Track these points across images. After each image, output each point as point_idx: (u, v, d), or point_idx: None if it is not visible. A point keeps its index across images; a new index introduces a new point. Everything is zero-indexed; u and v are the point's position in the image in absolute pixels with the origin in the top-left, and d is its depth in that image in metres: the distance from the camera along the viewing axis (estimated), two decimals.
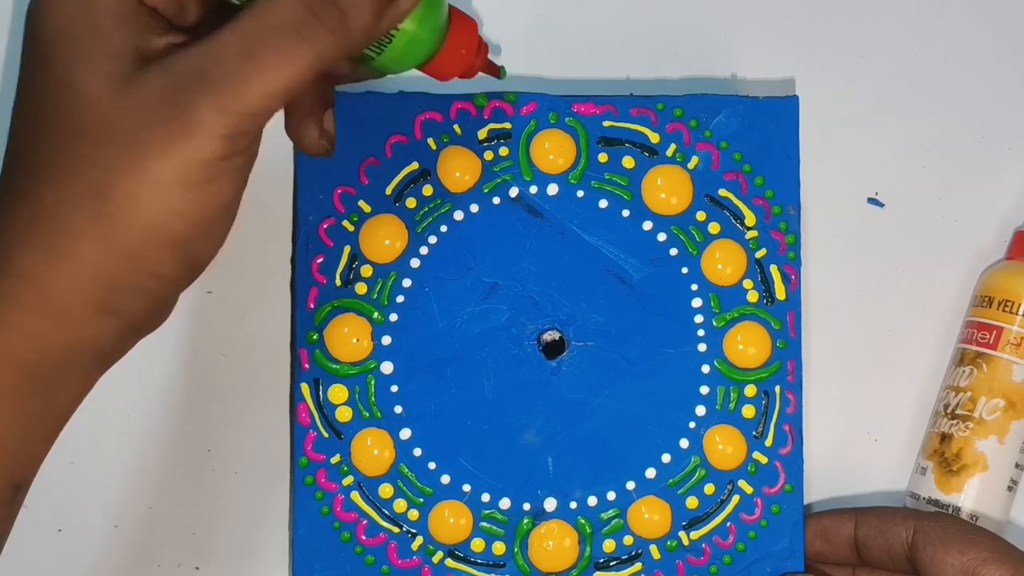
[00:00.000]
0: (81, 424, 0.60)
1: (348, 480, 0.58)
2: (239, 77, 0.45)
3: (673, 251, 0.59)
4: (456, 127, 0.59)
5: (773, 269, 0.59)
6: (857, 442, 0.62)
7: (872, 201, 0.62)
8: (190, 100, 0.45)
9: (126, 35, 0.46)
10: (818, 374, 0.61)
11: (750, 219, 0.59)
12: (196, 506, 0.61)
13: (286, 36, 0.45)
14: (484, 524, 0.58)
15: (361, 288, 0.58)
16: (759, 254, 0.59)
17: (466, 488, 0.58)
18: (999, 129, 0.63)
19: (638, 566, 0.58)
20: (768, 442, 0.58)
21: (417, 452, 0.58)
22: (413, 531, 0.58)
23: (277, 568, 0.61)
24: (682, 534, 0.58)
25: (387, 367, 0.58)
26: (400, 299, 0.58)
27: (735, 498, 0.58)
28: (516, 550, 0.58)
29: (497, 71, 0.54)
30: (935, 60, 0.63)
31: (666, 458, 0.58)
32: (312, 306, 0.58)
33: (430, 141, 0.59)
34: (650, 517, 0.58)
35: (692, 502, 0.58)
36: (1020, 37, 0.64)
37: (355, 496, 0.58)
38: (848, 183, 0.63)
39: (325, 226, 0.59)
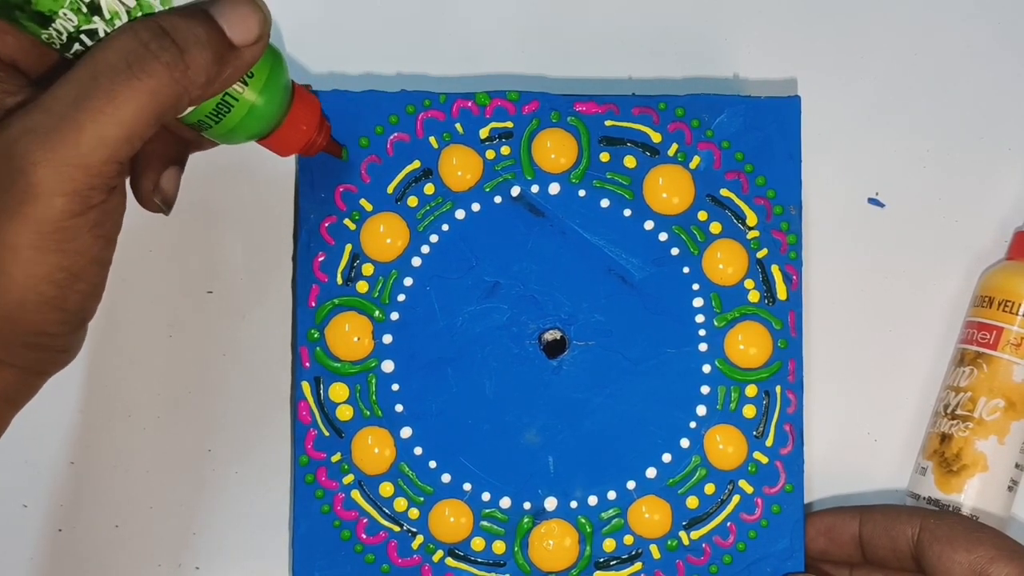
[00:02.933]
0: (81, 424, 0.61)
1: (348, 479, 0.58)
2: (71, 126, 0.43)
3: (674, 251, 0.59)
4: (458, 126, 0.59)
5: (774, 269, 0.59)
6: (857, 442, 0.62)
7: (872, 201, 0.62)
8: (25, 159, 0.43)
9: None
10: (818, 374, 0.61)
11: (752, 219, 0.59)
12: (196, 506, 0.61)
13: (117, 74, 0.43)
14: (484, 523, 0.58)
15: (362, 287, 0.58)
16: (760, 254, 0.59)
17: (467, 487, 0.58)
18: (999, 129, 0.64)
19: (638, 566, 0.58)
20: (769, 442, 0.58)
21: (418, 451, 0.58)
22: (413, 530, 0.58)
23: (277, 568, 0.61)
24: (682, 534, 0.58)
25: (388, 366, 0.58)
26: (401, 298, 0.58)
27: (735, 498, 0.58)
28: (516, 549, 0.58)
29: (339, 151, 0.56)
30: (935, 60, 0.64)
31: (667, 458, 0.58)
32: (313, 304, 0.58)
33: (432, 140, 0.59)
34: (650, 517, 0.58)
35: (692, 502, 0.58)
36: (1020, 37, 0.64)
37: (355, 495, 0.58)
38: (848, 183, 0.63)
39: (327, 224, 0.59)
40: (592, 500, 0.58)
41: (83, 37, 0.45)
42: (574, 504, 0.58)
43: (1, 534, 0.61)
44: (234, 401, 0.61)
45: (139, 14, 0.45)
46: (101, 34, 0.45)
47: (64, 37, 0.45)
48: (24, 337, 0.46)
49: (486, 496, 0.58)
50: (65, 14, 0.45)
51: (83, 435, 0.61)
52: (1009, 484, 0.60)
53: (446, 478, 0.58)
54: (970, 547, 0.54)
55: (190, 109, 0.48)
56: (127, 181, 0.49)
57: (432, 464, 0.58)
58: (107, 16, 0.45)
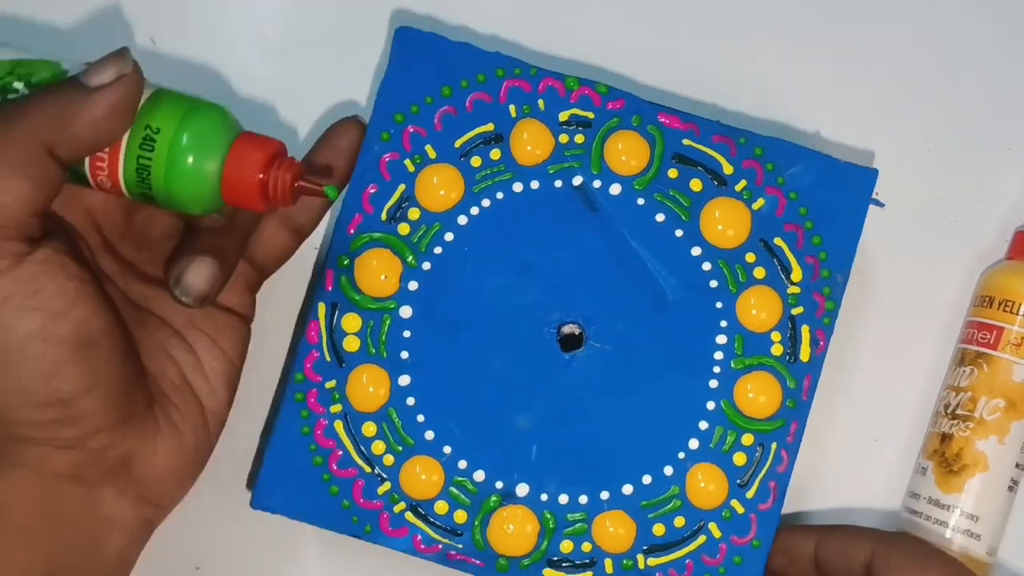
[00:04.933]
0: None
1: (336, 408, 0.58)
2: None
3: (713, 283, 0.58)
4: (541, 102, 0.59)
5: (804, 329, 0.58)
6: (857, 442, 0.62)
7: (872, 201, 0.62)
8: None
9: None
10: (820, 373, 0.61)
11: (797, 274, 0.58)
12: (196, 506, 0.60)
13: None
14: (453, 489, 0.58)
15: (404, 229, 0.59)
16: (796, 311, 0.58)
17: (446, 450, 0.58)
18: (999, 129, 0.63)
19: (588, 574, 0.58)
20: (750, 494, 0.58)
21: (410, 401, 0.58)
22: (384, 476, 0.58)
23: (278, 568, 0.61)
24: (640, 556, 0.58)
25: (406, 311, 0.58)
26: (438, 250, 0.59)
27: (702, 537, 0.58)
28: (477, 523, 0.58)
29: (321, 191, 0.52)
30: (935, 60, 0.63)
31: (647, 479, 0.58)
32: (352, 232, 0.58)
33: (512, 108, 0.59)
34: (614, 531, 0.58)
35: (659, 529, 0.58)
36: (1020, 37, 0.64)
37: (338, 425, 0.58)
38: None
39: (387, 159, 0.59)
40: (563, 498, 0.58)
41: None
42: (544, 497, 0.58)
43: None
44: (235, 400, 0.60)
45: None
46: None
47: None
48: (3, 429, 0.47)
49: (462, 464, 0.58)
50: None
51: None
52: (1009, 484, 0.59)
53: (429, 435, 0.58)
54: (920, 572, 0.54)
55: (121, 180, 0.50)
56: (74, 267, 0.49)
57: (420, 418, 0.58)
58: None
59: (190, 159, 0.50)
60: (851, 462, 0.62)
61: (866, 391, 0.62)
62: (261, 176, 0.51)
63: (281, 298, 0.61)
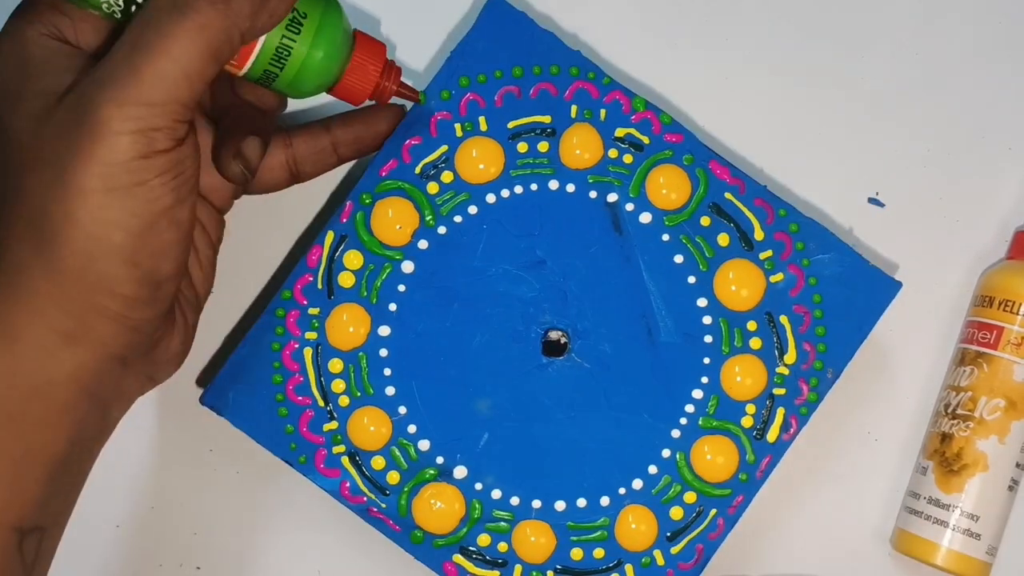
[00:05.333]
0: None
1: (311, 335, 0.58)
2: (129, 68, 0.46)
3: (708, 338, 0.58)
4: (603, 112, 0.59)
5: (780, 412, 0.58)
6: (857, 442, 0.62)
7: (872, 201, 0.62)
8: (91, 103, 0.46)
9: (53, 76, 0.48)
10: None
11: (791, 356, 0.58)
12: (197, 506, 0.61)
13: (165, 15, 0.46)
14: (395, 450, 0.58)
15: (433, 188, 0.59)
16: (778, 391, 0.58)
17: (401, 410, 0.58)
18: (999, 129, 0.63)
19: (496, 573, 0.58)
20: (675, 549, 0.58)
21: (383, 352, 0.58)
22: (334, 414, 0.58)
23: (278, 568, 0.61)
24: (550, 573, 0.58)
25: (408, 266, 0.58)
26: (458, 219, 0.59)
27: (615, 575, 0.58)
28: (406, 489, 0.58)
29: (416, 95, 0.57)
30: (935, 60, 0.63)
31: (581, 502, 0.58)
32: (383, 175, 0.59)
33: (574, 108, 0.59)
34: (535, 540, 0.57)
35: (577, 553, 0.58)
36: (1020, 37, 0.64)
37: (307, 352, 0.58)
38: (848, 183, 0.63)
39: (438, 118, 0.59)
40: (496, 493, 0.58)
41: None
42: (479, 486, 0.58)
43: None
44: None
45: None
46: None
47: (121, 1, 0.48)
48: (94, 297, 0.47)
49: (412, 428, 0.58)
50: None
51: None
52: (1009, 484, 0.59)
53: (390, 390, 0.58)
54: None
55: (252, 60, 0.51)
56: (200, 144, 0.51)
57: (387, 371, 0.58)
58: None
59: (329, 47, 0.52)
60: (851, 462, 0.62)
61: (866, 391, 0.62)
62: (377, 80, 0.54)
63: (268, 217, 0.62)
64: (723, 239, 0.59)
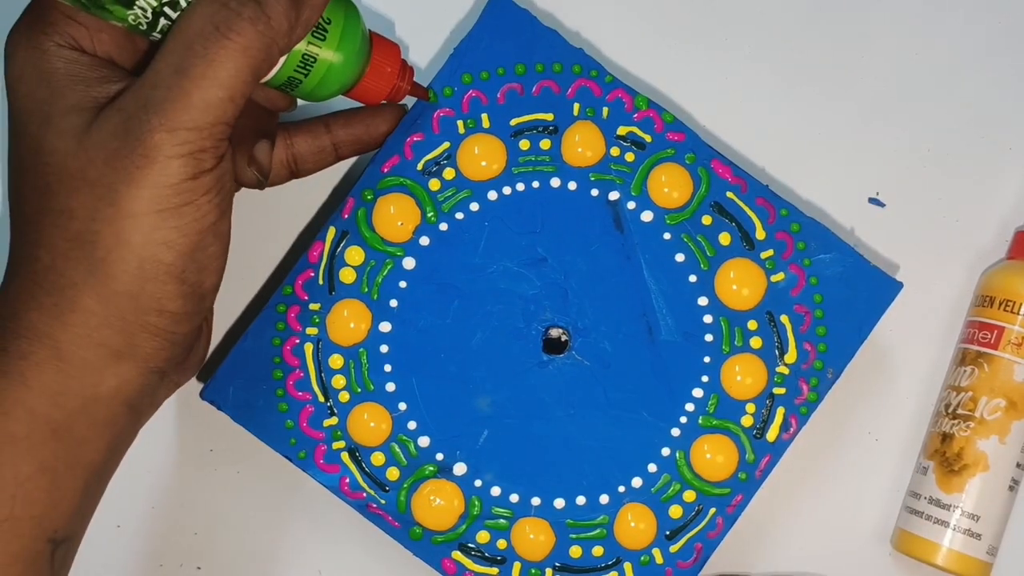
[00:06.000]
0: None
1: (312, 331, 0.58)
2: (178, 92, 0.46)
3: (709, 337, 0.58)
4: (605, 110, 0.59)
5: (780, 411, 0.58)
6: (858, 442, 0.62)
7: (872, 201, 0.62)
8: (141, 128, 0.46)
9: (81, 90, 0.48)
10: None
11: (791, 356, 0.58)
12: (198, 506, 0.62)
13: (208, 38, 0.46)
14: (395, 446, 0.58)
15: (435, 184, 0.59)
16: (778, 390, 0.58)
17: (402, 406, 0.58)
18: (999, 129, 0.63)
19: (495, 571, 0.58)
20: (674, 548, 0.58)
21: (384, 348, 0.58)
22: (334, 410, 0.58)
23: (279, 568, 0.61)
24: (549, 571, 0.58)
25: (409, 263, 0.58)
26: (460, 216, 0.59)
27: (613, 574, 0.57)
28: (406, 485, 0.58)
29: (426, 94, 0.57)
30: (935, 60, 0.63)
31: (580, 500, 0.58)
32: (386, 171, 0.59)
33: (576, 106, 0.59)
34: (534, 538, 0.57)
35: (576, 551, 0.58)
36: (1020, 37, 0.64)
37: (308, 348, 0.58)
38: (848, 183, 0.63)
39: (441, 115, 0.59)
40: (495, 490, 0.58)
41: (167, 10, 0.48)
42: (479, 483, 0.58)
43: None
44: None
45: None
46: (183, 4, 0.48)
47: (149, 14, 0.48)
48: (144, 316, 0.48)
49: (412, 425, 0.58)
50: None
51: None
52: (1010, 484, 0.59)
53: (391, 387, 0.58)
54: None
55: (278, 68, 0.50)
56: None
57: (387, 367, 0.58)
58: None
59: (351, 52, 0.52)
60: (851, 462, 0.62)
61: (866, 391, 0.62)
62: (394, 82, 0.54)
63: (270, 213, 0.62)
64: (724, 238, 0.59)
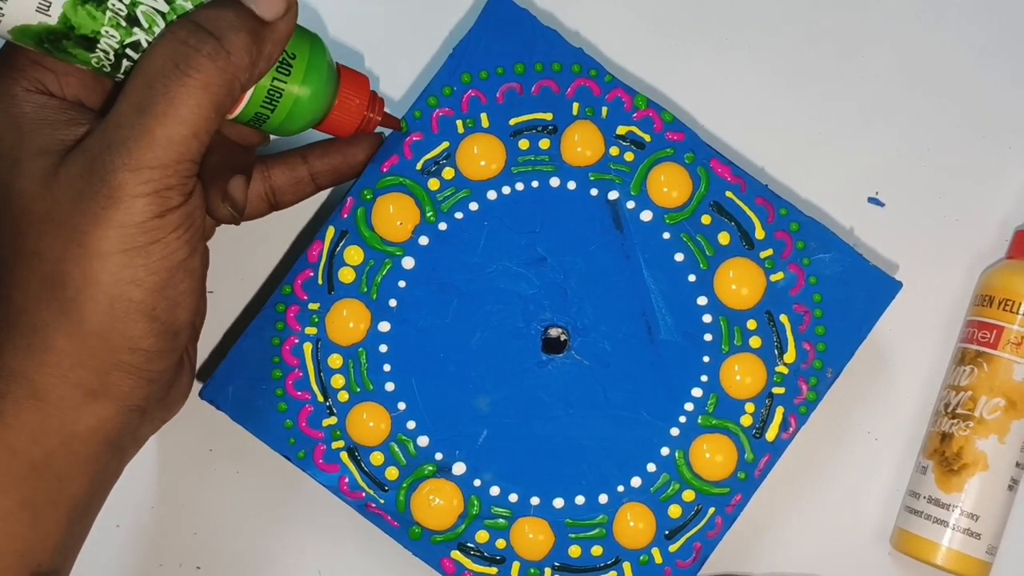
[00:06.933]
0: None
1: (311, 331, 0.58)
2: (140, 131, 0.46)
3: (708, 336, 0.58)
4: (605, 109, 0.59)
5: (779, 411, 0.58)
6: (857, 441, 0.62)
7: (872, 201, 0.62)
8: (105, 169, 0.46)
9: (48, 133, 0.48)
10: None
11: (791, 356, 0.58)
12: (197, 506, 0.62)
13: (168, 76, 0.46)
14: (394, 445, 0.58)
15: (434, 184, 0.59)
16: (777, 390, 0.58)
17: (401, 406, 0.58)
18: (999, 129, 0.63)
19: (494, 570, 0.58)
20: (673, 548, 0.58)
21: (383, 348, 0.58)
22: (333, 410, 0.58)
23: (279, 568, 0.61)
24: (548, 570, 0.58)
25: (408, 262, 0.58)
26: (459, 215, 0.59)
27: (612, 573, 0.57)
28: (405, 485, 0.58)
29: (398, 124, 0.57)
30: (935, 60, 0.63)
31: (580, 500, 0.58)
32: (385, 170, 0.59)
33: (575, 106, 0.59)
34: (533, 537, 0.57)
35: (575, 550, 0.58)
36: (1020, 37, 0.64)
37: (307, 348, 0.58)
38: (848, 183, 0.63)
39: (440, 114, 0.59)
40: (495, 490, 0.58)
41: (128, 52, 0.48)
42: (478, 482, 0.58)
43: None
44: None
45: (174, 17, 0.48)
46: (144, 45, 0.48)
47: (111, 56, 0.48)
48: (116, 355, 0.48)
49: (411, 424, 0.58)
50: (107, 31, 0.47)
51: None
52: (1009, 483, 0.59)
53: (390, 386, 0.58)
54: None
55: (244, 104, 0.50)
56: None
57: (387, 367, 0.58)
58: (145, 26, 0.48)
59: (318, 85, 0.52)
60: (851, 461, 0.62)
61: (866, 390, 0.62)
62: (363, 113, 0.54)
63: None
64: (724, 238, 0.59)
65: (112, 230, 0.47)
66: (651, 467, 0.58)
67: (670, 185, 0.59)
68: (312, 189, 0.58)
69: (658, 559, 0.58)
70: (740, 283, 0.58)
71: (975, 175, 0.63)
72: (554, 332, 0.59)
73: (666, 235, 0.59)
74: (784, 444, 0.58)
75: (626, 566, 0.57)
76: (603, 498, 0.58)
